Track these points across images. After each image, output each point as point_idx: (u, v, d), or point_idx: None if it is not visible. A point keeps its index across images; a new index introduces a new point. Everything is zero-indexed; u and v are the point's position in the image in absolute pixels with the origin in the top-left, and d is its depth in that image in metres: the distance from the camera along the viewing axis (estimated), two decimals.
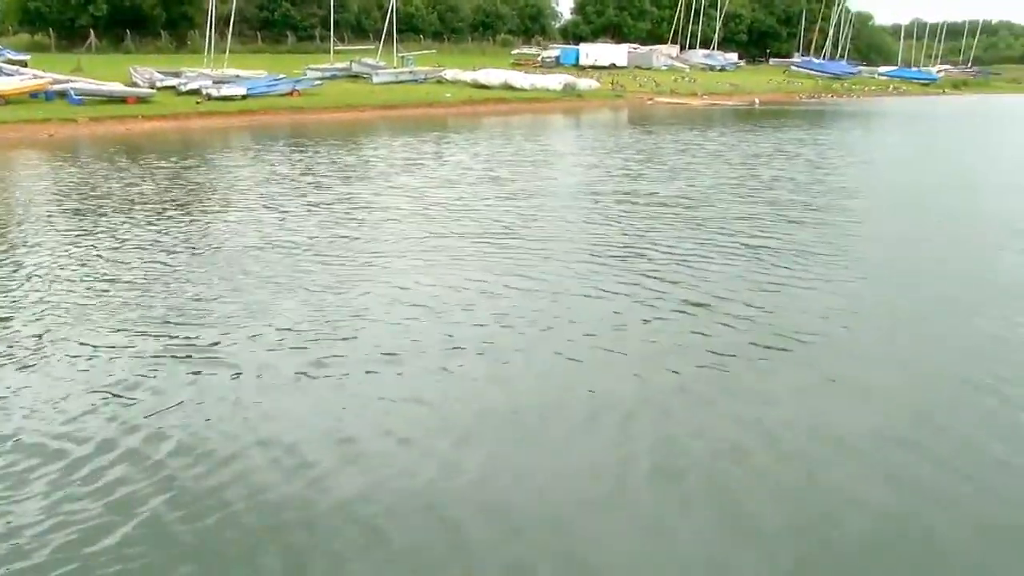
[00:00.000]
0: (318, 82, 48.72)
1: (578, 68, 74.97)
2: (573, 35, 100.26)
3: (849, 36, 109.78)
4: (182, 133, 33.45)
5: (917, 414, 7.28)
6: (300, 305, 10.05)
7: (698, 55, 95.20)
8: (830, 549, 5.35)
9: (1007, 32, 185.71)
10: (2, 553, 5.17)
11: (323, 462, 6.30)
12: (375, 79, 54.16)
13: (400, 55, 62.25)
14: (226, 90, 41.28)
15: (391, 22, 59.48)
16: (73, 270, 11.70)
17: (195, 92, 41.07)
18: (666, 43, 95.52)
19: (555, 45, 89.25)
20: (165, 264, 12.04)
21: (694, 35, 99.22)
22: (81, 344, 8.71)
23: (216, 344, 8.71)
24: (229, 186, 19.76)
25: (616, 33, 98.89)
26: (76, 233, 14.10)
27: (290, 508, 5.68)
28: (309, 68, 53.85)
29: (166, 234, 14.03)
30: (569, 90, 58.46)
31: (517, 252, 12.82)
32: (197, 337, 8.91)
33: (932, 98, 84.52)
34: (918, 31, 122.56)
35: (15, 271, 11.66)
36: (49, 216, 15.68)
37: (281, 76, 46.92)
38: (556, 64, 76.91)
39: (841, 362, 8.51)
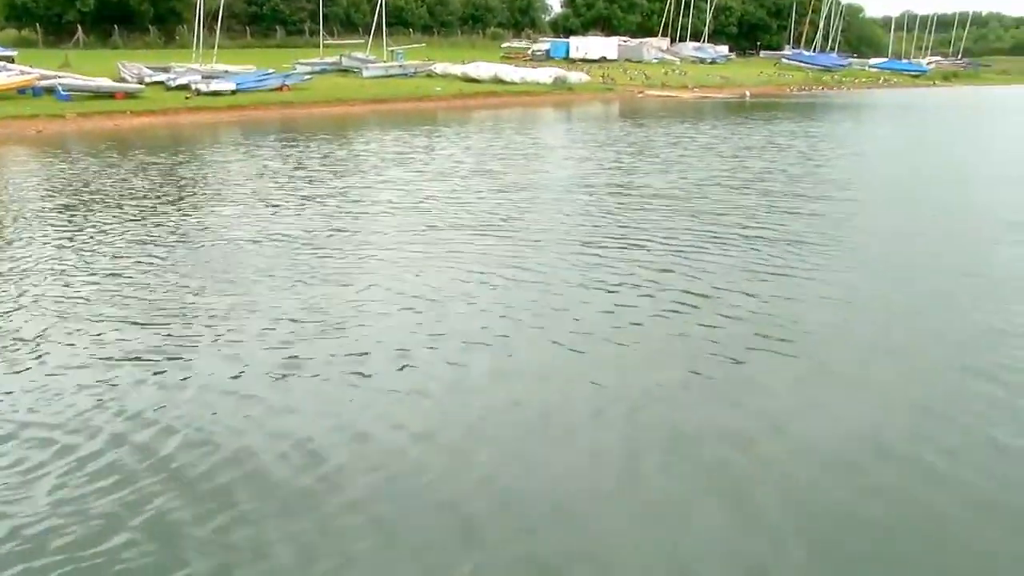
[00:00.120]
0: (307, 77, 48.54)
1: (568, 61, 74.88)
2: (563, 28, 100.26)
3: (839, 28, 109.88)
4: (171, 129, 33.25)
5: (915, 403, 7.32)
6: (298, 299, 10.00)
7: (688, 48, 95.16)
8: (838, 536, 5.34)
9: (997, 24, 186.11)
10: (3, 552, 5.14)
11: (331, 457, 6.26)
12: (365, 73, 53.94)
13: (390, 49, 62.03)
14: (215, 85, 41.04)
15: (380, 16, 59.23)
16: (64, 267, 11.61)
17: (184, 87, 40.82)
18: (656, 36, 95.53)
19: (545, 38, 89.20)
20: (159, 260, 11.95)
21: (684, 28, 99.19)
22: (76, 340, 8.64)
23: (214, 340, 8.64)
24: (221, 181, 19.62)
25: (606, 26, 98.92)
26: (67, 229, 14.00)
27: (300, 503, 5.66)
28: (298, 63, 53.64)
29: (159, 230, 13.94)
30: (559, 83, 58.38)
31: (512, 245, 12.80)
32: (193, 333, 8.85)
33: (922, 90, 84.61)
34: (908, 23, 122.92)
35: (7, 268, 11.56)
36: (40, 213, 15.54)
37: (270, 71, 46.65)
38: (546, 57, 76.78)
39: (838, 352, 8.53)
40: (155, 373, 7.81)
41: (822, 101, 60.70)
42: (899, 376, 7.96)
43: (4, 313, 9.59)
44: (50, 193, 17.75)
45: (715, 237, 13.45)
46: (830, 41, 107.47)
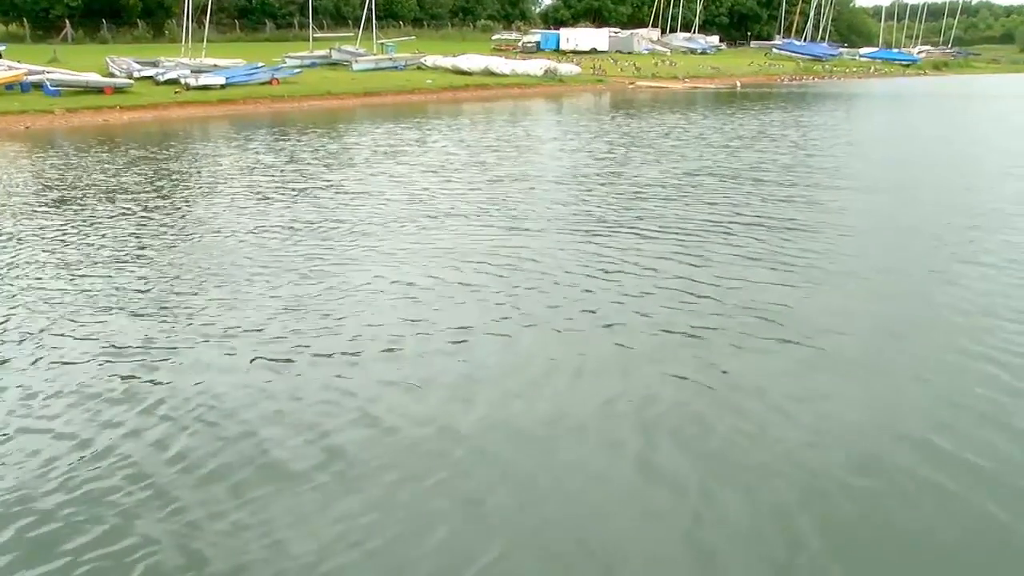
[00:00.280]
0: (297, 70, 48.33)
1: (559, 53, 74.79)
2: (553, 20, 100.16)
3: (830, 18, 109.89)
4: (161, 123, 33.07)
5: (922, 386, 7.36)
6: (293, 292, 9.96)
7: (679, 38, 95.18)
8: (852, 522, 5.32)
9: (987, 13, 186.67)
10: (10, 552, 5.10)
11: (315, 453, 6.19)
12: (355, 66, 53.78)
13: (380, 42, 61.89)
14: (205, 79, 40.85)
15: (370, 8, 59.06)
16: (56, 262, 11.50)
17: (173, 82, 40.64)
18: (647, 27, 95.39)
19: (535, 30, 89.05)
20: (152, 255, 11.88)
21: (675, 18, 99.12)
22: (69, 336, 8.57)
23: (208, 334, 8.57)
24: (213, 176, 19.49)
25: (597, 17, 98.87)
26: (58, 225, 13.87)
27: (310, 498, 5.62)
28: (288, 56, 53.42)
29: (151, 225, 13.85)
30: (550, 75, 58.31)
31: (509, 236, 12.79)
32: (187, 326, 8.77)
33: (913, 79, 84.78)
34: (899, 12, 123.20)
35: None
36: (29, 209, 15.39)
37: (260, 65, 46.41)
38: (537, 49, 76.60)
39: (841, 337, 8.53)
40: (149, 368, 7.73)
41: (813, 91, 60.72)
42: (904, 361, 7.98)
43: None
44: (40, 189, 17.59)
45: (711, 226, 13.46)
46: (820, 31, 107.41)
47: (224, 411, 6.88)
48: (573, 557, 5.05)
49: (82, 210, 15.23)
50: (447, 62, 58.45)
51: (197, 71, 42.45)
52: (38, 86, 35.93)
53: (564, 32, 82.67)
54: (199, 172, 20.18)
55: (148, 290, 10.18)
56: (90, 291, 10.17)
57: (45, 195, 16.90)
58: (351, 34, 63.75)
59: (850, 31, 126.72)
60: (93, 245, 12.50)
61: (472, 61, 58.48)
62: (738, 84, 65.21)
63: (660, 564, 5.02)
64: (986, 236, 12.94)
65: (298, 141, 26.51)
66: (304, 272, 10.90)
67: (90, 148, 24.81)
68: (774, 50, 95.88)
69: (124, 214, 14.79)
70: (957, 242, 12.52)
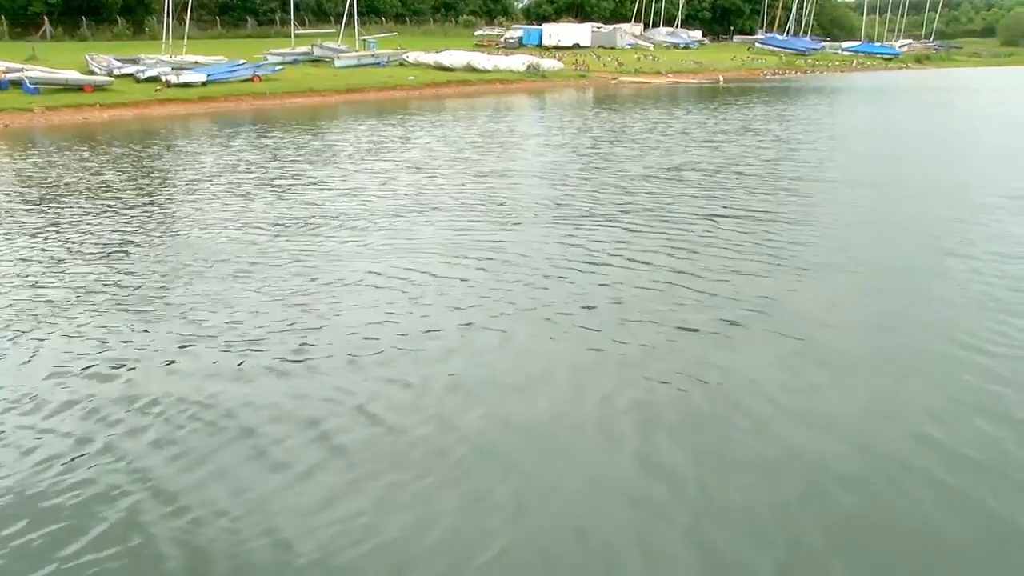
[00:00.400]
0: (279, 67, 48.17)
1: (541, 48, 74.76)
2: (536, 15, 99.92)
3: (812, 12, 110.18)
4: (142, 121, 32.90)
5: (909, 378, 7.34)
6: (278, 290, 9.89)
7: (662, 33, 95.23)
8: (849, 514, 5.31)
9: (969, 6, 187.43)
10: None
11: (312, 452, 6.13)
12: (337, 63, 53.64)
13: (362, 38, 61.66)
14: (186, 77, 40.71)
15: (352, 5, 58.84)
16: (41, 260, 11.41)
17: (154, 79, 40.48)
18: (630, 22, 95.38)
19: (518, 26, 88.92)
20: (135, 253, 11.79)
21: (657, 13, 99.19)
22: (53, 335, 8.49)
23: (194, 332, 8.48)
24: (196, 174, 19.38)
25: (579, 12, 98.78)
26: (41, 224, 13.79)
27: (278, 501, 5.52)
28: (270, 53, 53.22)
29: (133, 223, 13.74)
30: (533, 71, 58.30)
31: (495, 231, 12.76)
32: (172, 326, 8.68)
33: (895, 73, 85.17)
34: (880, 6, 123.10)
35: None
36: (9, 208, 15.28)
37: (241, 62, 46.26)
38: (519, 45, 76.58)
39: (828, 329, 8.54)
40: (137, 366, 7.66)
41: (795, 85, 60.80)
42: (895, 353, 7.96)
43: None
44: (20, 188, 17.46)
45: (698, 220, 13.44)
46: (803, 25, 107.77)
47: (217, 408, 6.82)
48: (573, 553, 5.02)
49: (64, 208, 15.12)
50: (429, 58, 58.33)
51: (178, 68, 42.29)
52: (17, 84, 35.70)
53: (546, 27, 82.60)
54: (182, 170, 20.06)
55: (134, 288, 10.09)
56: (75, 289, 10.08)
57: (27, 194, 16.79)
58: (333, 30, 63.54)
59: (832, 25, 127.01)
60: (76, 243, 12.39)
61: (454, 57, 58.37)
62: (721, 79, 65.25)
63: (660, 560, 4.98)
64: (972, 228, 12.91)
65: (281, 138, 26.40)
66: (292, 269, 10.83)
67: (71, 146, 24.66)
68: (757, 44, 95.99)
69: (107, 212, 14.69)
70: (943, 234, 12.50)
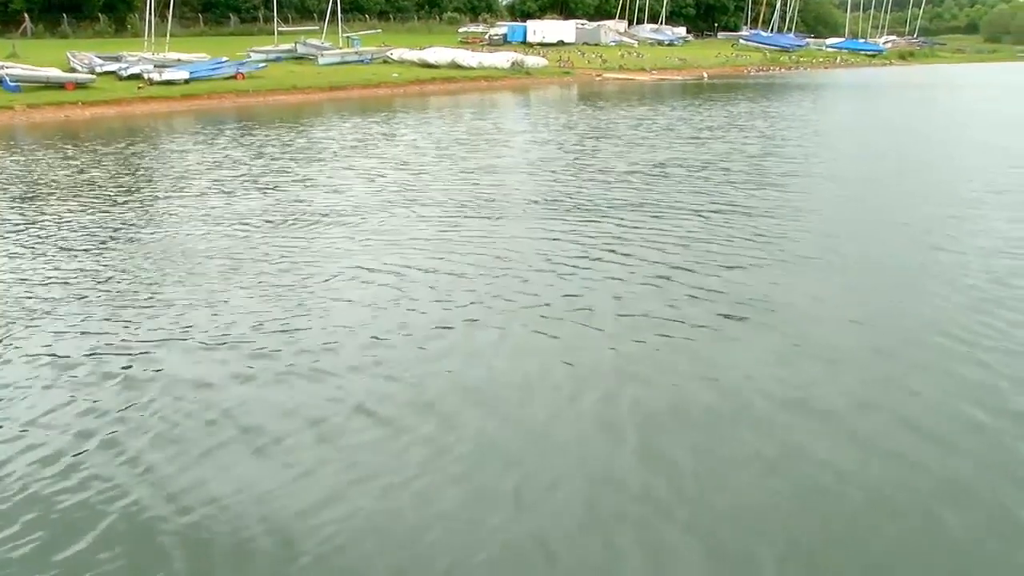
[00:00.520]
0: (262, 64, 47.95)
1: (526, 45, 74.56)
2: (520, 12, 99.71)
3: (796, 8, 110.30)
4: (125, 119, 32.67)
5: (893, 372, 7.38)
6: (265, 287, 9.85)
7: (646, 30, 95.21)
8: (829, 518, 5.28)
9: (952, 3, 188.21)
10: None
11: (308, 450, 6.11)
12: (321, 60, 53.38)
13: (345, 35, 61.46)
14: (168, 74, 40.44)
15: (336, 2, 58.67)
16: (21, 261, 11.29)
17: (136, 77, 40.18)
18: (614, 18, 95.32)
19: (502, 23, 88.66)
20: (120, 252, 11.69)
21: (642, 9, 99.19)
22: (36, 335, 8.41)
23: (179, 331, 8.41)
24: (180, 172, 19.24)
25: (563, 9, 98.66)
26: (24, 222, 13.67)
27: (279, 499, 5.49)
28: (253, 50, 52.92)
29: (118, 221, 13.64)
30: (517, 68, 58.18)
31: (481, 228, 12.74)
32: (157, 325, 8.60)
33: (879, 69, 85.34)
34: (864, 2, 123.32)
35: None
36: None
37: (224, 59, 45.98)
38: (503, 42, 76.37)
39: (814, 324, 8.59)
40: (120, 367, 7.58)
41: (780, 82, 60.93)
42: (876, 346, 7.99)
43: None
44: (2, 186, 17.27)
45: (682, 216, 13.45)
46: (787, 21, 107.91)
47: (207, 406, 6.78)
48: (570, 550, 4.99)
49: (46, 206, 15.01)
50: (413, 55, 58.11)
51: (160, 66, 42.02)
52: None
53: (531, 24, 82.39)
54: (166, 167, 19.94)
55: (120, 286, 10.02)
56: (59, 287, 10.00)
57: (9, 191, 16.65)
58: (316, 28, 63.19)
59: (817, 22, 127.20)
60: (61, 241, 12.29)
61: (439, 54, 58.18)
62: (705, 75, 65.34)
63: (660, 555, 4.96)
64: (958, 223, 13.00)
65: (265, 136, 26.27)
66: (279, 266, 10.78)
67: (53, 144, 24.48)
68: (741, 41, 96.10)
69: (91, 210, 14.58)
70: (931, 229, 12.55)
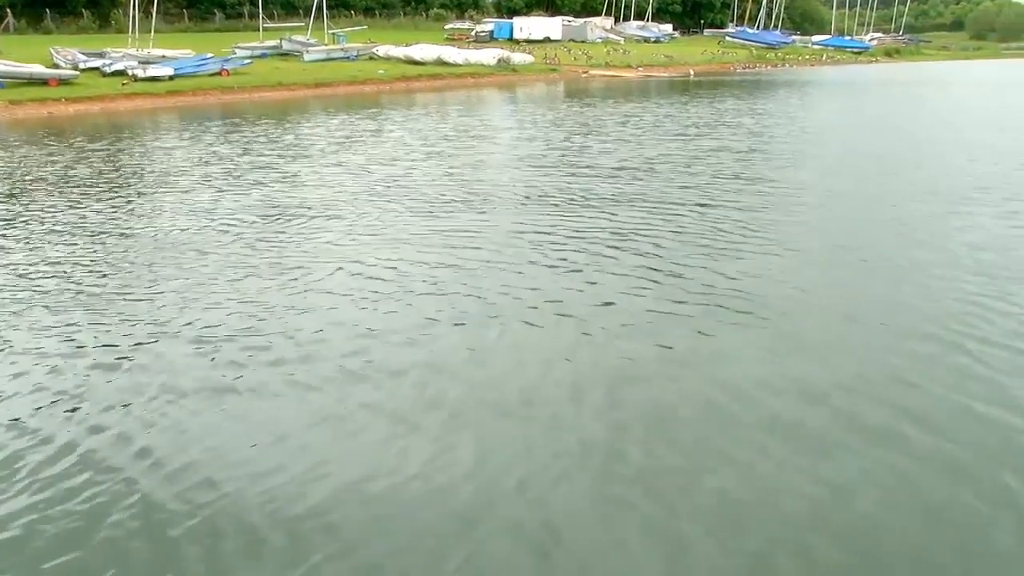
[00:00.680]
0: (248, 61, 47.70)
1: (512, 42, 74.48)
2: (507, 9, 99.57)
3: (782, 5, 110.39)
4: (109, 116, 32.44)
5: (885, 370, 7.35)
6: (254, 285, 9.79)
7: (632, 27, 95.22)
8: (821, 512, 5.23)
9: (938, 0, 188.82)
10: None
11: (313, 448, 6.06)
12: (306, 57, 53.23)
13: (331, 32, 61.34)
14: (152, 71, 40.18)
15: None
16: (5, 256, 11.18)
17: (120, 73, 39.92)
18: (600, 15, 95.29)
19: (488, 19, 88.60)
20: (107, 248, 11.58)
21: (628, 7, 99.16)
22: (19, 335, 8.30)
23: (165, 332, 8.30)
24: (166, 169, 19.11)
25: (550, 6, 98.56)
26: (8, 219, 13.52)
27: (290, 497, 5.44)
28: (238, 47, 52.69)
29: (103, 219, 13.52)
30: (503, 65, 58.08)
31: (470, 226, 12.70)
32: (144, 325, 8.49)
33: (864, 67, 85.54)
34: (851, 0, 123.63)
35: None
36: None
37: (209, 56, 45.71)
38: (490, 38, 76.35)
39: (806, 322, 8.60)
40: (108, 364, 7.51)
41: (766, 79, 61.07)
42: (866, 344, 7.99)
43: None
44: None
45: (671, 212, 13.47)
46: (773, 18, 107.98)
47: (187, 408, 6.69)
48: (547, 551, 4.95)
49: (31, 203, 14.87)
50: (399, 52, 57.98)
51: (145, 62, 41.77)
52: None
53: (517, 21, 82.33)
54: (151, 164, 19.78)
55: (105, 284, 9.91)
56: (44, 284, 9.91)
57: None
58: (302, 24, 62.95)
59: (803, 19, 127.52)
60: (45, 239, 12.18)
61: (425, 51, 58.05)
62: (691, 73, 65.40)
63: (635, 556, 4.91)
64: (943, 219, 13.04)
65: (251, 133, 26.13)
66: (265, 263, 10.70)
67: (37, 141, 24.28)
68: (727, 38, 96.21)
69: (76, 207, 14.45)
70: (917, 225, 12.60)
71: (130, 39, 46.09)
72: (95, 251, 11.52)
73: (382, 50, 58.81)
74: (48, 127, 28.16)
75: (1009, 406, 6.60)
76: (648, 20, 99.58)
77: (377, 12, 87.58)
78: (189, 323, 8.52)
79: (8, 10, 60.22)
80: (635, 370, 7.36)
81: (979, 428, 6.28)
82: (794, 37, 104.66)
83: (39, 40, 52.05)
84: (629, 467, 5.78)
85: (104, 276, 10.30)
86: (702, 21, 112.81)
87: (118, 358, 7.67)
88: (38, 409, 6.66)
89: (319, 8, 58.55)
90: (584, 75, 60.58)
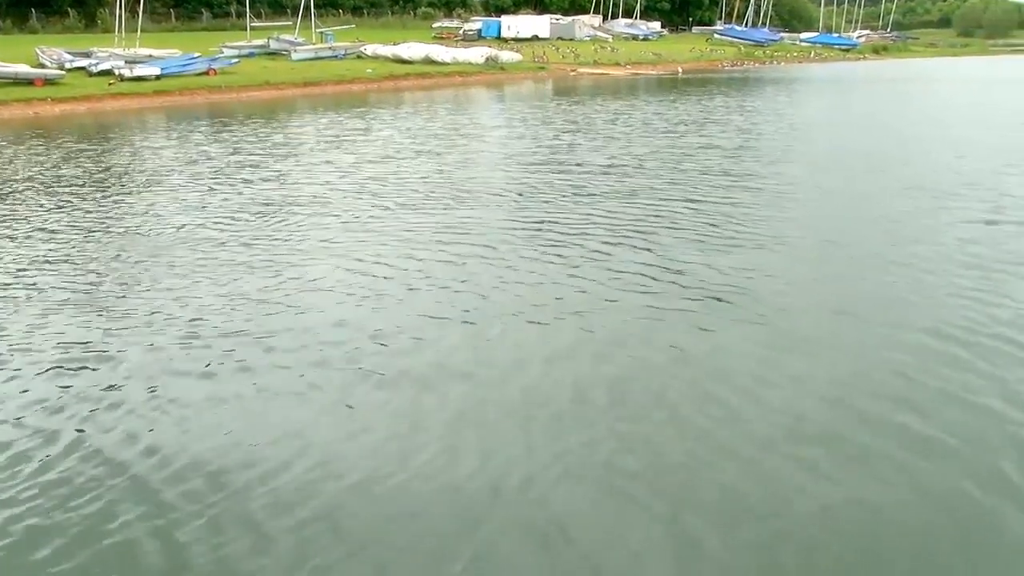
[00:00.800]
0: (235, 60, 47.46)
1: (500, 40, 74.38)
2: (495, 7, 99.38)
3: (771, 3, 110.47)
4: (95, 116, 32.29)
5: (881, 364, 7.40)
6: (246, 285, 9.74)
7: (620, 25, 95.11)
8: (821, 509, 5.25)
9: None
10: None
11: (318, 447, 6.05)
12: (294, 56, 53.03)
13: (319, 31, 61.15)
14: (139, 70, 39.96)
15: None
16: None
17: (107, 73, 39.69)
18: (588, 13, 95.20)
19: (476, 18, 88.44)
20: (96, 248, 11.54)
21: (616, 4, 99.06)
22: (12, 332, 8.29)
23: (155, 332, 8.25)
24: (155, 168, 19.03)
25: (538, 4, 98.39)
26: None
27: (295, 497, 5.43)
28: (225, 46, 52.44)
29: (93, 218, 13.46)
30: (491, 63, 57.95)
31: (463, 225, 12.68)
32: (132, 324, 8.44)
33: (853, 64, 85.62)
34: None
35: None
36: None
37: (196, 55, 45.49)
38: (478, 37, 76.21)
39: (802, 318, 8.65)
40: (95, 364, 7.47)
41: (755, 76, 61.12)
42: (864, 338, 8.05)
43: None
44: None
45: (663, 209, 13.50)
46: (762, 16, 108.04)
47: (182, 404, 6.68)
48: (554, 548, 4.93)
49: (18, 204, 14.78)
50: (387, 51, 57.81)
51: (131, 62, 41.51)
52: None
53: (505, 19, 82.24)
54: (139, 164, 19.72)
55: (94, 284, 9.88)
56: (32, 283, 9.87)
57: None
58: (290, 23, 62.72)
59: (791, 16, 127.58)
60: (33, 239, 12.11)
61: (413, 49, 57.90)
62: (679, 70, 65.36)
63: (643, 551, 4.91)
64: (933, 215, 13.07)
65: (240, 132, 26.05)
66: (256, 264, 10.66)
67: (23, 141, 24.15)
68: (715, 36, 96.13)
69: (64, 208, 14.38)
70: (908, 221, 12.65)
71: (116, 38, 45.83)
72: (84, 251, 11.45)
73: (370, 49, 58.64)
74: (34, 127, 28.00)
75: (1006, 396, 6.66)
76: (636, 18, 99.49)
77: (365, 11, 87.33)
78: (177, 322, 8.47)
79: None
80: (635, 366, 7.37)
81: (976, 417, 6.35)
82: (782, 34, 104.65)
83: (25, 40, 51.75)
84: (633, 463, 5.78)
85: (92, 275, 10.25)
86: (690, 19, 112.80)
87: (105, 357, 7.62)
88: (15, 410, 6.61)
89: (307, 7, 58.36)
90: (572, 73, 60.52)
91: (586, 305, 8.87)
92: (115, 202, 14.93)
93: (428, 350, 7.73)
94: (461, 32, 77.95)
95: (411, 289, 9.49)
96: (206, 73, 43.03)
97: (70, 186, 16.56)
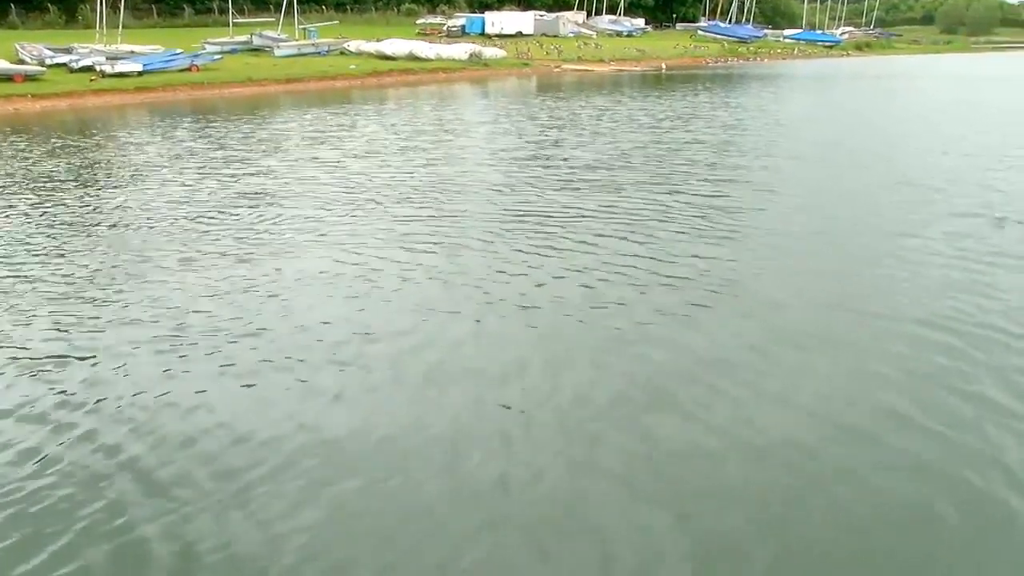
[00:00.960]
0: (217, 57, 47.19)
1: (484, 37, 74.31)
2: (478, 4, 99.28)
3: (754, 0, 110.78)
4: (77, 112, 32.04)
5: (869, 355, 7.47)
6: (233, 282, 9.67)
7: (604, 21, 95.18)
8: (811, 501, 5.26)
9: None
10: None
11: (320, 446, 6.00)
12: (277, 52, 52.79)
13: (302, 27, 60.88)
14: (121, 67, 39.69)
15: None
16: None
17: (88, 69, 39.40)
18: (572, 9, 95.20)
19: (460, 14, 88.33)
20: (80, 245, 11.46)
21: (600, 1, 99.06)
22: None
23: (142, 328, 8.18)
24: (138, 165, 18.88)
25: (522, 0, 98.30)
26: None
27: (299, 496, 5.40)
28: (207, 42, 52.12)
29: (77, 215, 13.36)
30: (475, 59, 57.88)
31: (449, 219, 12.69)
32: (119, 321, 8.39)
33: (836, 60, 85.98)
34: None
35: None
36: None
37: (178, 51, 45.25)
38: (462, 33, 76.13)
39: (790, 311, 8.69)
40: (82, 362, 7.40)
41: (738, 72, 61.29)
42: (860, 332, 8.10)
43: None
44: None
45: (652, 203, 13.52)
46: (745, 12, 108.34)
47: (172, 403, 6.62)
48: (559, 543, 4.93)
49: (3, 201, 14.63)
50: (371, 47, 57.63)
51: (113, 58, 41.21)
52: None
53: (489, 16, 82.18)
54: (122, 161, 19.56)
55: (86, 281, 9.80)
56: (18, 281, 9.76)
57: None
58: (272, 19, 62.43)
59: (774, 13, 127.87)
60: (16, 237, 11.99)
61: (396, 46, 57.74)
62: (663, 67, 65.39)
63: (648, 548, 4.88)
64: (922, 210, 13.10)
65: (224, 128, 25.91)
66: (242, 261, 10.59)
67: (4, 138, 23.91)
68: (699, 32, 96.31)
69: (47, 204, 14.24)
70: (898, 217, 12.66)
71: (98, 34, 45.50)
72: (68, 248, 11.36)
73: (353, 45, 58.44)
74: (14, 124, 27.77)
75: (1000, 383, 6.77)
76: (620, 14, 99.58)
77: (348, 7, 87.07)
78: (163, 320, 8.41)
79: None
80: (631, 369, 7.31)
81: (973, 405, 6.44)
82: (766, 31, 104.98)
83: (4, 35, 51.30)
84: (635, 458, 5.79)
85: (81, 272, 10.16)
86: (674, 15, 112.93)
87: (95, 354, 7.56)
88: (18, 406, 6.56)
89: (290, 3, 58.10)
90: (556, 70, 60.49)
91: (586, 301, 8.88)
92: (98, 198, 14.81)
93: (422, 348, 7.69)
94: (445, 28, 77.85)
95: (401, 286, 9.45)
96: (188, 69, 42.79)
97: (51, 182, 16.41)
